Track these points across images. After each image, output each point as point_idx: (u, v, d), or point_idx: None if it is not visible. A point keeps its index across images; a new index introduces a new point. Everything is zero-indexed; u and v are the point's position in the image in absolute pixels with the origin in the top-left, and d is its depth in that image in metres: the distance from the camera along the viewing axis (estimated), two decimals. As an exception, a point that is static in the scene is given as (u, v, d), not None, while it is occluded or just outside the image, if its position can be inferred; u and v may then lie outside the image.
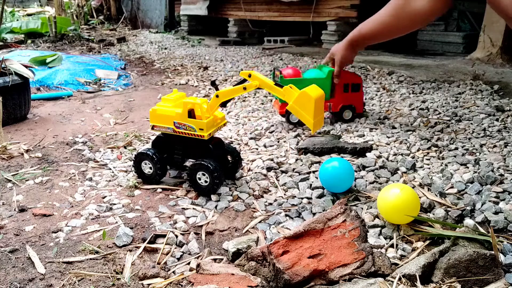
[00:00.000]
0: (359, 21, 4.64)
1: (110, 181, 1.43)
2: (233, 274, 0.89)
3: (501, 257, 0.92)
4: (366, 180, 1.35)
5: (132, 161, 1.41)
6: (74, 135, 1.89)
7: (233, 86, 1.28)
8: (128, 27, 7.47)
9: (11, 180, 1.42)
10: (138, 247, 1.04)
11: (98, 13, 8.01)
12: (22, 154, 1.65)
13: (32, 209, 1.23)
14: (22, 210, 1.22)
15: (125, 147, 1.74)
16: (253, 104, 2.34)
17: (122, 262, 0.98)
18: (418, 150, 1.58)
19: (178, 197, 1.30)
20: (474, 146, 1.59)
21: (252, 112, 2.19)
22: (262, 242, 1.05)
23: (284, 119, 1.95)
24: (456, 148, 1.58)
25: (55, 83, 2.92)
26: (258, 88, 1.26)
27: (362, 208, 1.18)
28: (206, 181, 1.27)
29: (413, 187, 1.28)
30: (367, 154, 1.54)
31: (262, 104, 2.36)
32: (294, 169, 1.46)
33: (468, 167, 1.41)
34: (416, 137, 1.70)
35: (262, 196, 1.30)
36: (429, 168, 1.43)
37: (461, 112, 2.03)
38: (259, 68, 3.39)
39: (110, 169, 1.52)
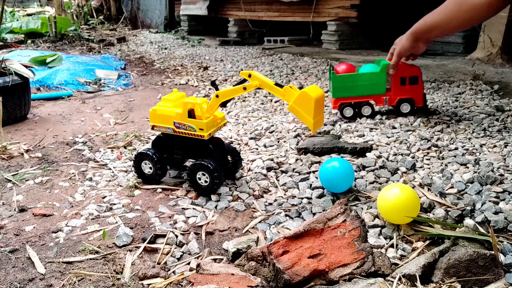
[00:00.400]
0: (359, 21, 4.63)
1: (110, 181, 1.43)
2: (233, 274, 0.89)
3: (501, 257, 0.92)
4: (366, 180, 1.35)
5: (132, 161, 1.41)
6: (74, 135, 1.89)
7: (233, 86, 1.28)
8: (128, 27, 7.47)
9: (11, 180, 1.42)
10: (138, 247, 1.04)
11: (98, 13, 8.01)
12: (22, 154, 1.65)
13: (32, 209, 1.23)
14: (22, 210, 1.22)
15: (125, 147, 1.74)
16: (253, 104, 2.34)
17: (122, 262, 0.98)
18: (418, 150, 1.58)
19: (178, 197, 1.30)
20: (474, 146, 1.59)
21: (252, 112, 2.19)
22: (262, 242, 1.05)
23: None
24: (456, 148, 1.58)
25: (55, 83, 2.92)
26: (258, 88, 1.26)
27: (362, 208, 1.18)
28: (206, 181, 1.27)
29: (413, 187, 1.28)
30: (367, 154, 1.54)
31: (262, 104, 2.36)
32: (294, 169, 1.46)
33: (468, 167, 1.40)
34: (416, 137, 1.70)
35: (262, 196, 1.30)
36: (429, 168, 1.43)
37: (461, 112, 2.03)
38: (259, 68, 3.39)
39: (110, 169, 1.52)
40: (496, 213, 1.12)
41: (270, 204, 1.25)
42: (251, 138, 1.78)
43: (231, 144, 1.58)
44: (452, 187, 1.28)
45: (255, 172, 1.45)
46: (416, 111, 1.97)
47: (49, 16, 5.47)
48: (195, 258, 1.01)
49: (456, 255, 0.87)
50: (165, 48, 4.85)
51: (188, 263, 0.99)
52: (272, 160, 1.54)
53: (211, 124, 1.29)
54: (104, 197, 1.30)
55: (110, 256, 1.01)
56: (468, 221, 1.08)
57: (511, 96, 2.30)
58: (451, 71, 3.03)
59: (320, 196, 1.27)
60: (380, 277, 0.87)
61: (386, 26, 4.38)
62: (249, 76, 1.24)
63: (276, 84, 1.24)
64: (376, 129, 1.84)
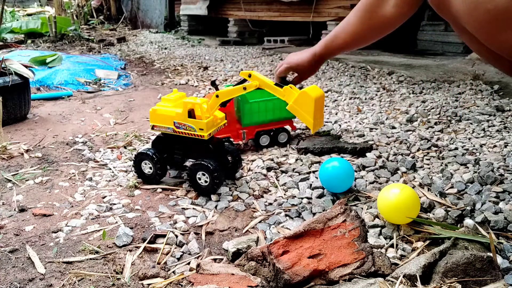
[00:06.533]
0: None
1: (110, 181, 1.43)
2: (233, 274, 0.89)
3: (499, 259, 0.92)
4: (366, 180, 1.35)
5: (132, 161, 1.41)
6: (74, 135, 1.89)
7: (233, 86, 1.28)
8: (128, 27, 7.47)
9: (11, 180, 1.42)
10: (138, 247, 1.04)
11: (98, 13, 8.00)
12: (22, 154, 1.65)
13: (32, 209, 1.23)
14: (22, 210, 1.22)
15: (125, 147, 1.73)
16: (253, 104, 2.34)
17: (122, 262, 0.98)
18: (418, 150, 1.58)
19: (178, 197, 1.30)
20: (474, 146, 1.59)
21: (252, 112, 2.19)
22: (262, 242, 1.05)
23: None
24: (456, 148, 1.58)
25: (55, 83, 2.92)
26: (258, 88, 1.26)
27: (362, 208, 1.18)
28: (206, 181, 1.27)
29: (413, 187, 1.28)
30: (367, 154, 1.54)
31: (262, 104, 2.36)
32: (294, 169, 1.46)
33: (468, 167, 1.41)
34: (416, 137, 1.70)
35: (262, 196, 1.30)
36: (429, 168, 1.43)
37: (461, 112, 2.03)
38: (259, 68, 3.39)
39: (110, 169, 1.52)
40: (496, 213, 1.12)
41: (270, 204, 1.25)
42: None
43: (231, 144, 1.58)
44: (452, 187, 1.28)
45: (255, 172, 1.45)
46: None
47: (49, 16, 5.46)
48: (195, 258, 1.01)
49: (453, 259, 0.87)
50: (165, 48, 4.85)
51: (188, 263, 0.99)
52: (272, 160, 1.54)
53: (211, 124, 1.29)
54: (104, 197, 1.30)
55: (110, 256, 1.01)
56: (468, 221, 1.08)
57: (511, 96, 2.30)
58: (451, 71, 3.03)
59: (320, 196, 1.27)
60: (380, 277, 0.87)
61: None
62: (249, 76, 1.24)
63: (276, 84, 1.24)
64: (376, 129, 1.84)
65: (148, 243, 1.05)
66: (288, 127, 1.73)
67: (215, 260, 0.99)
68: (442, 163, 1.46)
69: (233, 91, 1.27)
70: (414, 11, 1.25)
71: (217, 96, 1.27)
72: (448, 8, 0.95)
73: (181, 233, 1.10)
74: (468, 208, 1.14)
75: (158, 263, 0.99)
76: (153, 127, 1.34)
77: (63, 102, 2.53)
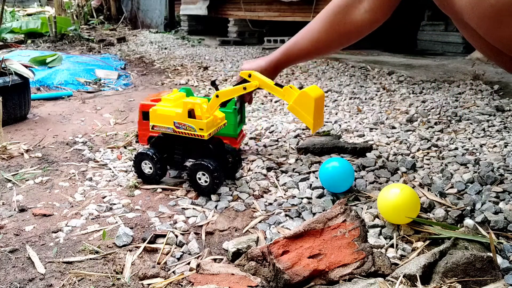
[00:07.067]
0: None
1: (110, 181, 1.43)
2: (233, 274, 0.89)
3: (499, 259, 0.92)
4: (366, 180, 1.35)
5: (132, 161, 1.41)
6: (74, 135, 1.89)
7: (233, 86, 1.28)
8: (128, 27, 7.47)
9: (11, 180, 1.42)
10: (138, 247, 1.04)
11: (98, 13, 8.01)
12: (22, 154, 1.65)
13: (32, 209, 1.23)
14: (22, 210, 1.22)
15: (125, 147, 1.74)
16: (253, 104, 2.34)
17: (122, 262, 0.98)
18: (418, 150, 1.58)
19: (178, 197, 1.30)
20: (474, 146, 1.59)
21: (252, 112, 2.19)
22: (262, 242, 1.05)
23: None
24: (456, 148, 1.58)
25: (55, 83, 2.92)
26: (258, 88, 1.26)
27: (362, 208, 1.18)
28: (206, 181, 1.27)
29: (413, 187, 1.28)
30: (367, 154, 1.54)
31: (262, 104, 2.36)
32: (294, 169, 1.46)
33: (468, 167, 1.41)
34: (416, 137, 1.70)
35: (262, 196, 1.30)
36: (429, 168, 1.43)
37: (461, 112, 2.03)
38: (259, 68, 3.39)
39: (110, 169, 1.52)
40: (496, 213, 1.12)
41: (270, 204, 1.25)
42: (251, 138, 1.78)
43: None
44: (452, 187, 1.28)
45: (255, 172, 1.45)
46: None
47: (49, 16, 5.46)
48: (195, 258, 1.01)
49: (453, 259, 0.87)
50: (165, 48, 4.85)
51: (188, 263, 0.99)
52: (272, 160, 1.54)
53: (211, 124, 1.29)
54: (104, 197, 1.30)
55: (110, 256, 1.01)
56: (468, 221, 1.08)
57: (511, 96, 2.30)
58: (451, 71, 3.03)
59: (320, 196, 1.27)
60: (380, 277, 0.87)
61: (386, 26, 4.38)
62: (249, 76, 1.24)
63: (276, 84, 1.24)
64: (376, 129, 1.84)
65: (148, 243, 1.05)
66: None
67: (215, 260, 1.00)
68: (442, 163, 1.46)
69: (233, 91, 1.26)
70: (386, 17, 1.20)
71: (217, 96, 1.27)
72: (451, 3, 0.94)
73: (181, 233, 1.10)
74: (468, 208, 1.14)
75: (158, 263, 0.99)
76: (153, 127, 1.34)
77: (63, 102, 2.53)
